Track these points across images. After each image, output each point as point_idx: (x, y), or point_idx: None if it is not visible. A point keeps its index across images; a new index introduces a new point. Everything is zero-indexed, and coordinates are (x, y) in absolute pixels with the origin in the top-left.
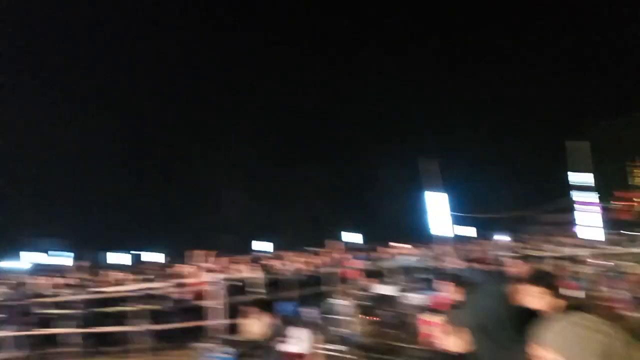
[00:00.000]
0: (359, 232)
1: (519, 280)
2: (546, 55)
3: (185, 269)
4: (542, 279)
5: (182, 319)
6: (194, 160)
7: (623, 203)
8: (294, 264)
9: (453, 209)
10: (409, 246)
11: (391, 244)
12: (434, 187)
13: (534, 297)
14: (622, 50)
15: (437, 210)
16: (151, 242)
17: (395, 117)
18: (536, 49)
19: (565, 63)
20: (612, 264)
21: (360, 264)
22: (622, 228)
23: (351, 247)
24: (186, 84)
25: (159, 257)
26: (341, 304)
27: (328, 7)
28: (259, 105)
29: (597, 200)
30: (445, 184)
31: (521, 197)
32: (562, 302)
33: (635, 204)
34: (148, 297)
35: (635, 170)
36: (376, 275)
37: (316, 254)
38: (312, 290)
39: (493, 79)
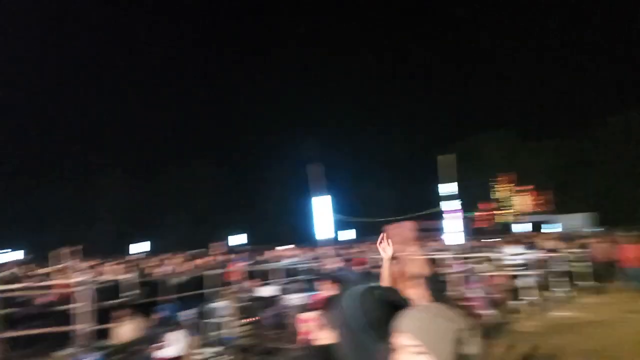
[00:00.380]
0: (245, 234)
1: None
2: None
3: (49, 269)
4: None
5: (45, 324)
6: (69, 158)
7: (485, 213)
8: (173, 266)
9: (337, 212)
10: (292, 248)
11: (277, 247)
12: (319, 191)
13: (410, 288)
14: (489, 69)
15: (322, 213)
16: (10, 240)
17: (284, 120)
18: (416, 62)
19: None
20: (470, 267)
21: (243, 265)
22: (483, 235)
23: (236, 249)
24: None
25: (17, 256)
26: (221, 306)
27: (217, 5)
28: (141, 100)
29: (460, 209)
30: (331, 189)
31: (402, 203)
32: (429, 296)
33: (495, 214)
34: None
35: (495, 185)
36: (259, 276)
37: (199, 255)
38: (193, 292)
39: (381, 87)
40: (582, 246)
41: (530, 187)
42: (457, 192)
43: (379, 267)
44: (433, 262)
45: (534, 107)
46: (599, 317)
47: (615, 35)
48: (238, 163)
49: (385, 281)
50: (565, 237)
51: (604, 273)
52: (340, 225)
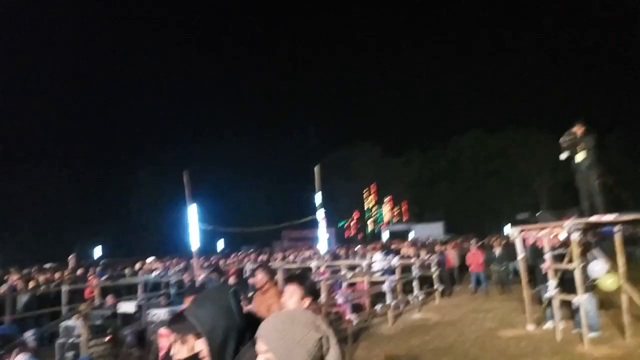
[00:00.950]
0: (109, 246)
1: (259, 288)
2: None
3: None
4: (297, 277)
5: None
6: None
7: (356, 223)
8: (17, 282)
9: (209, 222)
10: (157, 260)
11: (148, 259)
12: (190, 200)
13: (286, 296)
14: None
15: (191, 223)
16: None
17: (157, 124)
18: (294, 77)
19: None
20: (341, 273)
21: (99, 280)
22: (353, 243)
23: (93, 263)
24: None
25: None
26: (75, 324)
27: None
28: None
29: (328, 218)
30: (206, 197)
31: (279, 212)
32: (307, 302)
33: (366, 224)
34: None
35: (367, 196)
36: (120, 291)
37: (52, 270)
38: (42, 310)
39: (259, 94)
40: (437, 253)
41: (390, 197)
42: (327, 203)
43: (246, 275)
44: (308, 270)
45: (398, 123)
46: (449, 318)
47: (465, 56)
48: (96, 169)
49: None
50: (423, 245)
51: (455, 277)
52: (216, 235)
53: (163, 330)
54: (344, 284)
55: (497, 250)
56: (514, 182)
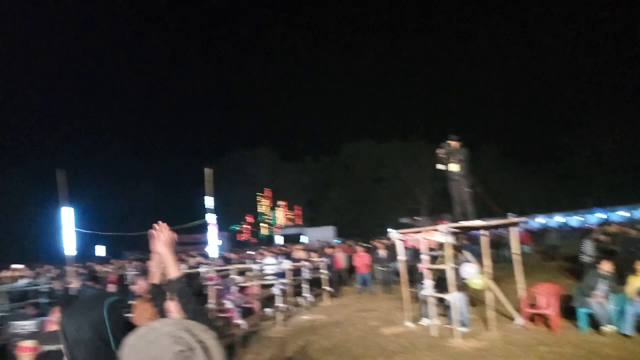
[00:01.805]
0: None
1: (140, 297)
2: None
3: None
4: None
5: None
6: None
7: (250, 227)
8: None
9: (88, 226)
10: (24, 268)
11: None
12: (64, 201)
13: (148, 312)
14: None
15: (66, 226)
16: None
17: (26, 124)
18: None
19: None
20: (229, 278)
21: None
22: (247, 247)
23: None
24: None
25: None
26: None
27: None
28: None
29: (220, 222)
30: (84, 200)
31: (168, 215)
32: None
33: (260, 228)
34: None
35: (261, 200)
36: None
37: None
38: None
39: (148, 98)
40: (325, 255)
41: (285, 202)
42: (218, 207)
43: (130, 283)
44: (196, 275)
45: (294, 130)
46: (336, 318)
47: (355, 71)
48: None
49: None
50: (313, 248)
51: (343, 279)
52: (95, 241)
53: (25, 344)
54: (234, 289)
55: (381, 252)
56: (399, 189)
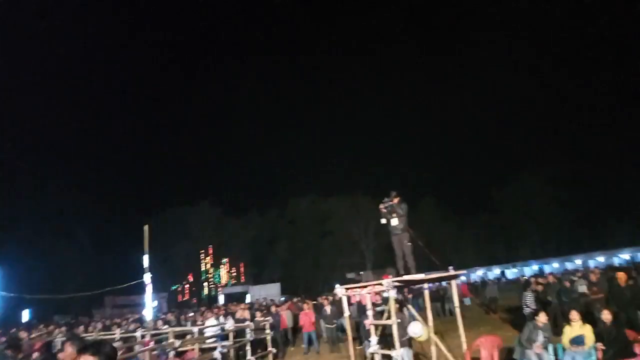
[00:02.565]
0: None
1: None
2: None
3: None
4: (91, 347)
5: None
6: None
7: (190, 286)
8: None
9: (12, 289)
10: None
11: None
12: None
13: None
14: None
15: None
16: None
17: None
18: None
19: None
20: (164, 342)
21: None
22: (188, 308)
23: None
24: None
25: None
26: None
27: None
28: None
29: (159, 281)
30: (8, 259)
31: (101, 276)
32: None
33: (202, 287)
34: None
35: (204, 257)
36: None
37: None
38: None
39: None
40: (270, 314)
41: (228, 259)
42: (154, 264)
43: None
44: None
45: (238, 185)
46: None
47: (293, 129)
48: None
49: None
50: (256, 307)
51: (288, 338)
52: (21, 305)
53: None
54: (172, 353)
55: (328, 309)
56: (345, 243)
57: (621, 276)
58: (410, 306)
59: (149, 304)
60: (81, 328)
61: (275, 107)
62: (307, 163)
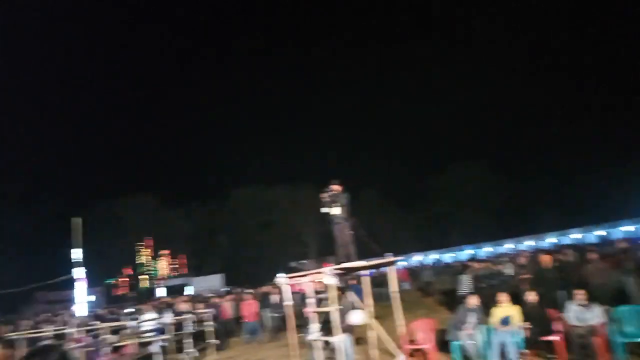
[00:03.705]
0: None
1: None
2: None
3: None
4: (36, 355)
5: None
6: None
7: (127, 279)
8: None
9: None
10: None
11: None
12: None
13: None
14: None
15: None
16: None
17: None
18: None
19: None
20: (100, 338)
21: None
22: (124, 302)
23: None
24: None
25: None
26: None
27: None
28: None
29: (93, 276)
30: None
31: (31, 272)
32: None
33: (139, 280)
34: None
35: (141, 250)
36: None
37: None
38: None
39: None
40: (212, 306)
41: (168, 251)
42: (86, 258)
43: None
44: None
45: (177, 175)
46: None
47: (244, 116)
48: None
49: None
50: (197, 299)
51: (230, 329)
52: None
53: None
54: (107, 350)
55: (274, 297)
56: (288, 233)
57: (546, 259)
58: (352, 293)
59: (81, 299)
60: (9, 327)
61: (217, 95)
62: (249, 152)
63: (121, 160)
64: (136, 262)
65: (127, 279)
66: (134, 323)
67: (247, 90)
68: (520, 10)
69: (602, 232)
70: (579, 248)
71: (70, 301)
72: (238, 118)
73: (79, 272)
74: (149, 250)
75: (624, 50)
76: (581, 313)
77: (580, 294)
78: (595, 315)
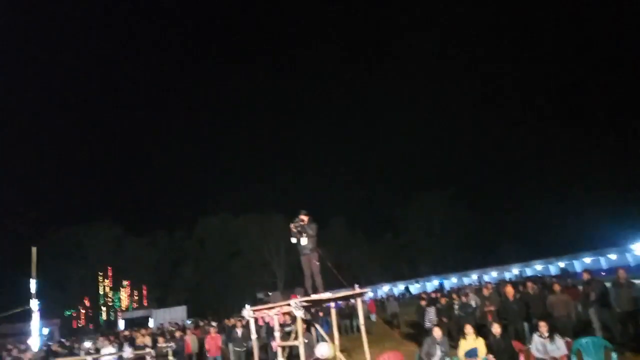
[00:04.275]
0: None
1: None
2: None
3: None
4: None
5: None
6: None
7: (87, 311)
8: None
9: None
10: None
11: None
12: None
13: None
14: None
15: None
16: None
17: None
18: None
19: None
20: None
21: None
22: (83, 335)
23: None
24: None
25: None
26: None
27: None
28: None
29: (50, 307)
30: None
31: None
32: None
33: (100, 312)
34: None
35: (102, 280)
36: None
37: None
38: None
39: None
40: (174, 339)
41: (129, 282)
42: (43, 289)
43: None
44: None
45: (140, 203)
46: None
47: (212, 144)
48: None
49: None
50: (159, 332)
51: None
52: None
53: None
54: None
55: (239, 331)
56: (256, 263)
57: (509, 290)
58: (318, 326)
59: (36, 332)
60: None
61: (185, 122)
62: (217, 181)
63: (83, 185)
64: (97, 292)
65: (87, 311)
66: (90, 358)
67: (215, 119)
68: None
69: (563, 264)
70: (541, 279)
71: (23, 334)
72: (206, 146)
73: (34, 304)
74: (110, 280)
75: (588, 78)
76: (544, 345)
77: (543, 326)
78: (557, 348)
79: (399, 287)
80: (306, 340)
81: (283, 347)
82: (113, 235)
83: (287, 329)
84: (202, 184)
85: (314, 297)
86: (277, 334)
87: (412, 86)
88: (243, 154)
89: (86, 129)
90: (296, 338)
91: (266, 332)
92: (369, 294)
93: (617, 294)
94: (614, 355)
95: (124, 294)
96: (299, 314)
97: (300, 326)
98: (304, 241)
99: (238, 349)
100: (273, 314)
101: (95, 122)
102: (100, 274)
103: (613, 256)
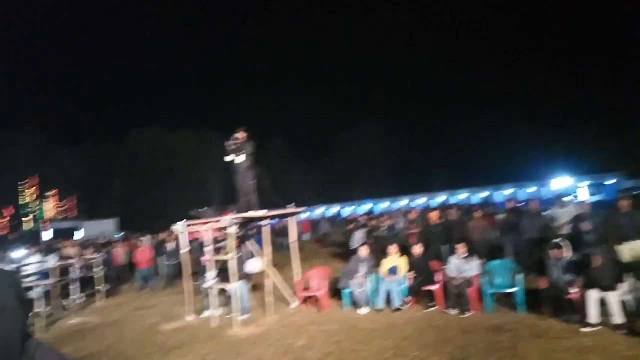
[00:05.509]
0: None
1: None
2: None
3: None
4: None
5: None
6: None
7: (6, 220)
8: None
9: None
10: None
11: None
12: None
13: None
14: None
15: None
16: None
17: None
18: None
19: None
20: None
21: None
22: (6, 244)
23: None
24: None
25: None
26: None
27: None
28: None
29: None
30: None
31: None
32: None
33: (22, 221)
34: None
35: (22, 190)
36: None
37: None
38: None
39: None
40: (103, 251)
41: (55, 191)
42: None
43: None
44: None
45: (69, 109)
46: (110, 319)
47: (149, 55)
48: None
49: None
50: (87, 243)
51: (122, 275)
52: None
53: None
54: None
55: (170, 245)
56: (191, 180)
57: (432, 215)
58: (251, 241)
59: None
60: None
61: (123, 25)
62: (151, 91)
63: (5, 88)
64: (19, 202)
65: (10, 220)
66: (13, 266)
67: (158, 25)
68: None
69: (486, 193)
70: (464, 207)
71: None
72: (142, 51)
73: None
74: (34, 189)
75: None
76: (460, 265)
77: (461, 247)
78: (472, 267)
79: (333, 210)
80: (239, 255)
81: (215, 261)
82: (37, 142)
83: (221, 244)
84: (136, 93)
85: (247, 214)
86: (208, 249)
87: (362, 19)
88: (182, 65)
89: (20, 37)
90: (228, 253)
91: (198, 247)
92: (304, 214)
93: (528, 222)
94: (518, 276)
95: (49, 204)
96: (232, 230)
97: (232, 241)
98: (239, 159)
99: (169, 263)
100: (205, 230)
101: (25, 24)
102: (24, 182)
103: (532, 189)
